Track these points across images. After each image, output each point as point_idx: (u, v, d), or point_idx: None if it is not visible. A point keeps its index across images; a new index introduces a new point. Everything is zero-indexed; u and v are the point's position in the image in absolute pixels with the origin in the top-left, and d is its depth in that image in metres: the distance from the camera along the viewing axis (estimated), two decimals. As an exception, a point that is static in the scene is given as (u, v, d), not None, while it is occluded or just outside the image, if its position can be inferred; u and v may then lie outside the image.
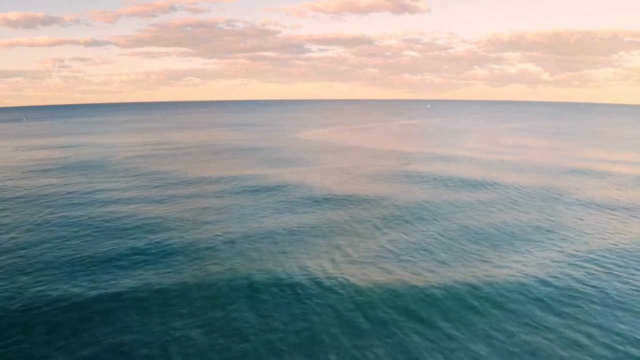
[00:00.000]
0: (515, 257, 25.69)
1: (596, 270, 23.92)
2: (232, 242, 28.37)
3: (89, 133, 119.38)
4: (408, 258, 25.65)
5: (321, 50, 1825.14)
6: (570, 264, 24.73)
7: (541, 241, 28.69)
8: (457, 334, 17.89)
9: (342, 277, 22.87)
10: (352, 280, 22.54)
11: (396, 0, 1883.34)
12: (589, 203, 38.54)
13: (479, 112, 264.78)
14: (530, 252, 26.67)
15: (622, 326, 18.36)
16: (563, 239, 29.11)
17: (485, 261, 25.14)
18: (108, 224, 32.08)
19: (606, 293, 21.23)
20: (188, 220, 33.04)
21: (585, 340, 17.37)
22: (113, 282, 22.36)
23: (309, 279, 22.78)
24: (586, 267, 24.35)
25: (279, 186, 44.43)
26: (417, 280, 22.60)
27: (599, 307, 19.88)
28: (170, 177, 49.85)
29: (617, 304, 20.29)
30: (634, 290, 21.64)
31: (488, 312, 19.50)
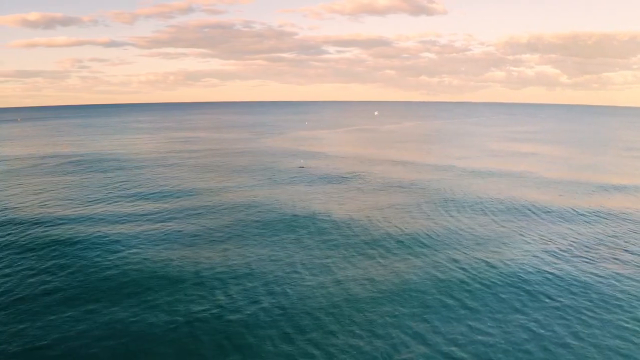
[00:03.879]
0: None
1: None
2: None
3: (50, 136, 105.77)
4: None
5: (338, 51, 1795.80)
6: None
7: None
8: None
9: None
10: None
11: (413, 2, 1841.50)
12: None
13: (486, 114, 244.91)
14: None
15: None
16: None
17: None
18: None
19: None
20: None
21: None
22: None
23: None
24: None
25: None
26: None
27: None
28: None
29: None
30: None
31: None
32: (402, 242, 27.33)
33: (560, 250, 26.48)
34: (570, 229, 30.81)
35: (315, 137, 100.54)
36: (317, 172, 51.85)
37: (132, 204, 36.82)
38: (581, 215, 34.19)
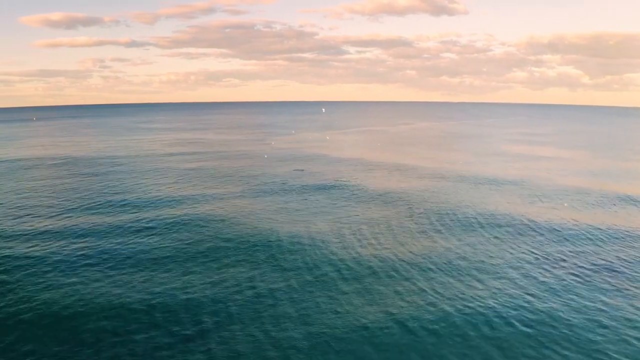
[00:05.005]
0: None
1: None
2: None
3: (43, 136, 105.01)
4: None
5: (358, 52, 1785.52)
6: None
7: None
8: None
9: None
10: None
11: (433, 2, 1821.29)
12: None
13: (504, 115, 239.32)
14: None
15: None
16: None
17: None
18: None
19: None
20: None
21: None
22: None
23: None
24: None
25: None
26: None
27: None
28: None
29: None
30: None
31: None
32: (371, 267, 24.28)
33: (554, 277, 23.27)
34: (569, 249, 27.50)
35: (322, 138, 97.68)
36: (310, 178, 49.08)
37: (94, 216, 34.47)
38: (583, 232, 30.71)
